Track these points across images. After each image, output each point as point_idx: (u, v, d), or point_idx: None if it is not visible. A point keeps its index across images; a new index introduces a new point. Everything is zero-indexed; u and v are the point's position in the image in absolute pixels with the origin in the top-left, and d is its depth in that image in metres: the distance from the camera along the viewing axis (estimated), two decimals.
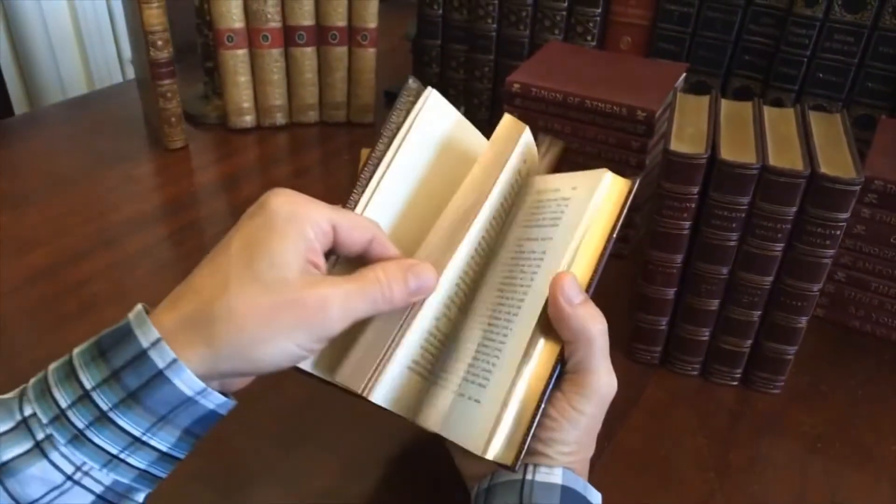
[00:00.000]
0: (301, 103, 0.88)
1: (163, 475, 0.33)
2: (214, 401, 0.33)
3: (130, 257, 0.66)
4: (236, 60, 0.82)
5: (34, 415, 0.31)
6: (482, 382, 0.37)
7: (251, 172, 0.82)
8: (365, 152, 0.88)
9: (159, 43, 0.75)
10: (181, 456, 0.33)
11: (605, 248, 0.38)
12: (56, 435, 0.30)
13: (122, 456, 0.31)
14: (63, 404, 0.31)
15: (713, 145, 0.48)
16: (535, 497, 0.36)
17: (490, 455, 0.35)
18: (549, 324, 0.37)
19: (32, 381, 0.32)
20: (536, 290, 0.38)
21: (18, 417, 0.31)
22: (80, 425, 0.31)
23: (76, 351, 0.32)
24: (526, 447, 0.35)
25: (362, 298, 0.34)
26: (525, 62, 0.70)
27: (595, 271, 0.38)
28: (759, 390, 0.54)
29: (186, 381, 0.31)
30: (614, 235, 0.39)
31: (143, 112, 0.90)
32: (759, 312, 0.51)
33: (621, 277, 0.65)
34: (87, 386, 0.31)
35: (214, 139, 0.87)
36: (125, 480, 0.32)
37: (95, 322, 0.58)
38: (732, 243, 0.49)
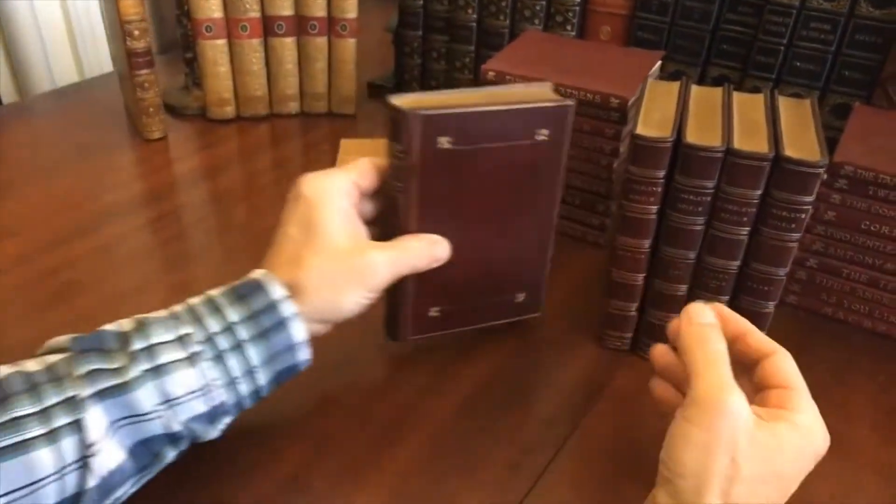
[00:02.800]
0: (282, 94, 0.88)
1: (247, 406, 0.42)
2: (304, 354, 0.43)
3: (106, 245, 0.66)
4: (216, 51, 0.82)
5: (189, 334, 0.40)
6: None
7: (230, 162, 0.82)
8: (344, 142, 0.88)
9: (136, 33, 0.75)
10: (265, 394, 0.43)
11: None
12: (205, 352, 0.39)
13: (237, 380, 0.40)
14: (213, 330, 0.40)
15: (679, 129, 0.48)
16: None
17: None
18: None
19: (180, 308, 0.41)
20: None
21: (177, 334, 0.39)
22: (223, 348, 0.40)
23: (215, 293, 0.42)
24: None
25: (402, 263, 0.46)
26: (502, 51, 0.70)
27: None
28: None
29: (298, 330, 0.42)
30: None
31: (124, 103, 0.90)
32: (727, 297, 0.51)
33: (598, 267, 0.65)
34: (233, 319, 0.40)
35: (195, 130, 0.87)
36: (229, 403, 0.41)
37: (70, 307, 0.58)
38: (699, 227, 0.49)
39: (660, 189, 0.49)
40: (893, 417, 0.51)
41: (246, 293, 0.41)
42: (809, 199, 0.46)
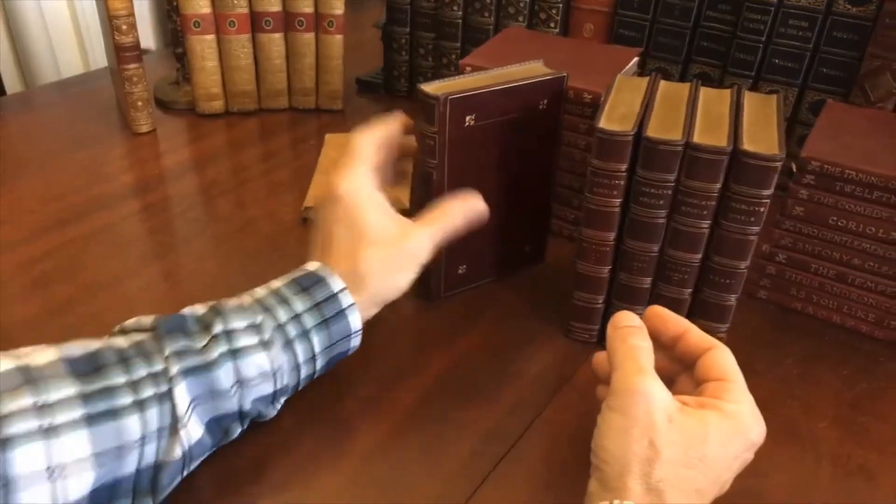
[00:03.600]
0: (270, 89, 0.89)
1: (301, 387, 0.46)
2: (356, 341, 0.48)
3: (90, 235, 0.67)
4: (204, 46, 0.84)
5: (262, 322, 0.43)
6: None
7: (218, 156, 0.83)
8: (329, 137, 0.89)
9: (124, 27, 0.76)
10: (316, 376, 0.47)
11: None
12: (276, 338, 0.43)
13: (301, 365, 0.44)
14: (282, 319, 0.44)
15: (641, 123, 0.49)
16: None
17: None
18: None
19: (248, 299, 0.45)
20: None
21: (251, 321, 0.43)
22: (291, 335, 0.44)
23: (279, 284, 0.46)
24: None
25: (441, 233, 0.51)
26: (481, 46, 0.71)
27: None
28: None
29: (355, 320, 0.46)
30: None
31: (115, 97, 0.92)
32: (690, 290, 0.52)
33: (570, 260, 0.65)
34: (299, 309, 0.44)
35: (183, 124, 0.88)
36: (290, 384, 0.45)
37: (52, 295, 0.59)
38: (661, 221, 0.50)
39: (622, 182, 0.49)
40: (855, 411, 0.52)
41: (309, 285, 0.45)
42: (768, 192, 0.47)
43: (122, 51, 0.78)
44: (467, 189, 0.54)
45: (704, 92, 0.54)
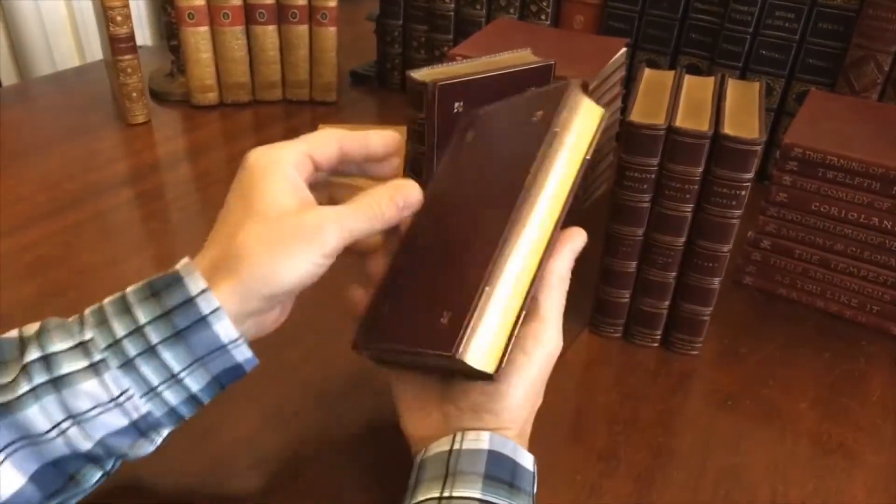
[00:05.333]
0: (264, 81, 0.90)
1: (186, 416, 0.37)
2: (243, 354, 0.37)
3: (83, 221, 0.68)
4: (198, 38, 0.84)
5: (92, 339, 0.35)
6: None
7: (211, 146, 0.84)
8: (322, 127, 0.90)
9: (118, 18, 0.77)
10: (205, 401, 0.37)
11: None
12: (110, 359, 0.34)
13: (159, 389, 0.35)
14: (119, 334, 0.35)
15: (624, 109, 0.49)
16: (461, 465, 0.36)
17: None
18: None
19: (89, 310, 0.36)
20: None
21: (78, 339, 0.35)
22: (132, 353, 0.35)
23: (130, 290, 0.36)
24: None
25: (355, 216, 0.38)
26: (470, 37, 0.72)
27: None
28: (678, 352, 0.56)
29: (225, 329, 0.35)
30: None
31: (111, 88, 0.92)
32: (674, 274, 0.53)
33: None
34: (141, 321, 0.35)
35: (178, 115, 0.89)
36: (157, 414, 0.36)
37: (41, 281, 0.60)
38: (645, 205, 0.51)
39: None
40: (834, 392, 0.53)
41: (161, 288, 0.35)
42: (748, 175, 0.47)
43: (117, 42, 0.78)
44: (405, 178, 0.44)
45: (689, 80, 0.55)
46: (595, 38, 0.75)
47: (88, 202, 0.71)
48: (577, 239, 0.41)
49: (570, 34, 0.78)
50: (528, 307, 0.37)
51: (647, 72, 0.56)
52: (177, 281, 0.35)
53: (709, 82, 0.54)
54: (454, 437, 0.37)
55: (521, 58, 0.60)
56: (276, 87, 0.91)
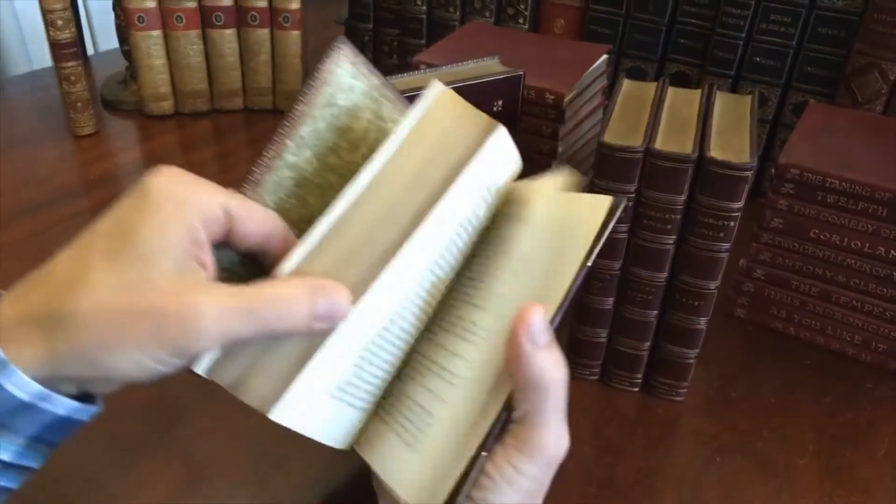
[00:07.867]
0: (224, 89, 0.84)
1: (14, 486, 0.30)
2: (63, 406, 0.29)
3: (13, 242, 0.62)
4: (149, 42, 0.78)
5: None
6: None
7: (164, 159, 0.76)
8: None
9: (59, 22, 0.71)
10: (34, 465, 0.30)
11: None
12: None
13: None
14: None
15: (601, 129, 0.44)
16: None
17: None
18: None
19: None
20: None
21: None
22: None
23: None
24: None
25: (247, 317, 0.28)
26: (437, 43, 0.66)
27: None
28: (661, 397, 0.50)
29: (19, 385, 0.27)
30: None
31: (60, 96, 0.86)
32: (656, 312, 0.47)
33: None
34: None
35: (131, 126, 0.83)
36: None
37: None
38: (622, 236, 0.45)
39: None
40: (836, 443, 0.47)
41: None
42: (737, 205, 0.42)
43: (59, 48, 0.72)
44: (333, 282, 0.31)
45: (673, 92, 0.49)
46: (574, 44, 0.69)
47: (21, 220, 0.65)
48: (532, 319, 0.30)
49: (547, 39, 0.72)
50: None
51: (626, 83, 0.50)
52: None
53: (695, 95, 0.48)
54: None
55: (487, 67, 0.54)
56: (236, 96, 0.85)
